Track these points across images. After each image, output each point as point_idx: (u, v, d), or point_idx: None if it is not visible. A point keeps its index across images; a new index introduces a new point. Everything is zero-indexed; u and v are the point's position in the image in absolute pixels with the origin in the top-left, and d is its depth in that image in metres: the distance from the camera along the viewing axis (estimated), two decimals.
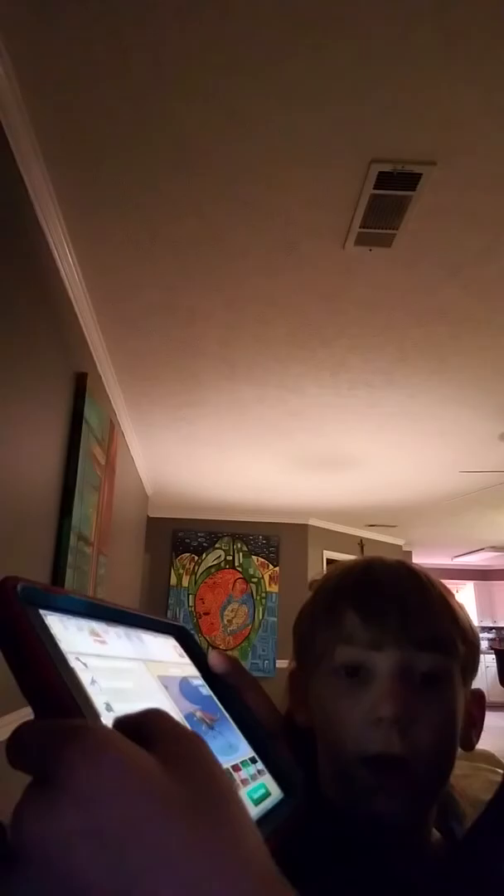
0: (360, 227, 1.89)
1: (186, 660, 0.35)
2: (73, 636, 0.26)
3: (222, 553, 6.59)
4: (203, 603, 6.41)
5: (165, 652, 0.34)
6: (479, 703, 0.55)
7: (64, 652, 0.26)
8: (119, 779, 0.21)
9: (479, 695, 0.55)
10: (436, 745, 0.47)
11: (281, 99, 1.46)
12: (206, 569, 6.54)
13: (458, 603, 0.54)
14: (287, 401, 3.39)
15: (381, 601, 0.51)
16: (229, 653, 0.39)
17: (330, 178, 1.71)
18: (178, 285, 2.27)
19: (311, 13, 1.26)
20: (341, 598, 0.53)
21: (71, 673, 0.25)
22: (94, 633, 0.28)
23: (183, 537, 6.60)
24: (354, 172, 1.68)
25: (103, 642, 0.28)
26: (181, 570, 6.51)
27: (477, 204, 1.79)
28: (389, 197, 1.75)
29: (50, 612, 0.26)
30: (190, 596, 6.42)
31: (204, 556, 6.58)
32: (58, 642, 0.26)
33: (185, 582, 6.48)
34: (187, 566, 6.53)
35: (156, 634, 0.34)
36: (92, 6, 1.26)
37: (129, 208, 1.86)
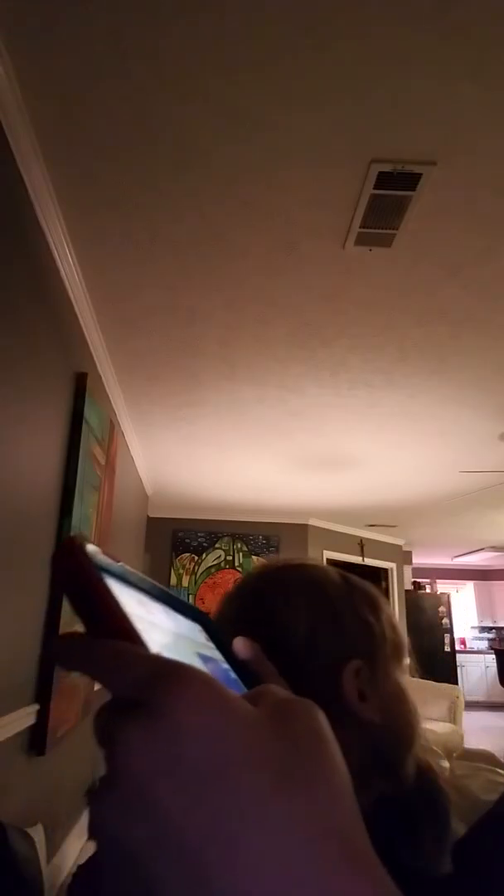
0: (360, 227, 1.89)
1: (212, 644, 0.36)
2: (126, 599, 0.27)
3: (222, 553, 6.59)
4: (203, 603, 6.41)
5: (196, 634, 0.35)
6: (362, 675, 0.55)
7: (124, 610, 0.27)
8: (217, 721, 0.22)
9: (357, 668, 0.54)
10: None
11: (281, 99, 1.46)
12: (206, 569, 6.54)
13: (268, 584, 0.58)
14: (287, 401, 3.39)
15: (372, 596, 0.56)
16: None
17: (330, 178, 1.71)
18: (178, 285, 2.27)
19: (311, 13, 1.26)
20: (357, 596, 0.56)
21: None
22: (140, 602, 0.29)
23: (183, 537, 6.60)
24: (354, 172, 1.68)
25: (150, 612, 0.29)
26: (181, 570, 6.51)
27: (477, 204, 1.79)
28: (389, 197, 1.75)
29: (106, 575, 0.27)
30: (190, 596, 6.42)
31: (204, 556, 6.58)
32: (119, 601, 0.26)
33: (185, 582, 6.48)
34: (187, 566, 6.53)
35: (186, 618, 0.35)
36: (92, 6, 1.26)
37: (129, 208, 1.86)
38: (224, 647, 0.36)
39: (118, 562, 0.28)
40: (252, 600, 0.58)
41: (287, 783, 0.21)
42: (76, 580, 0.26)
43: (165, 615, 0.31)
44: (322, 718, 0.24)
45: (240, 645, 0.37)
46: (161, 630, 0.28)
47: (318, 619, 0.55)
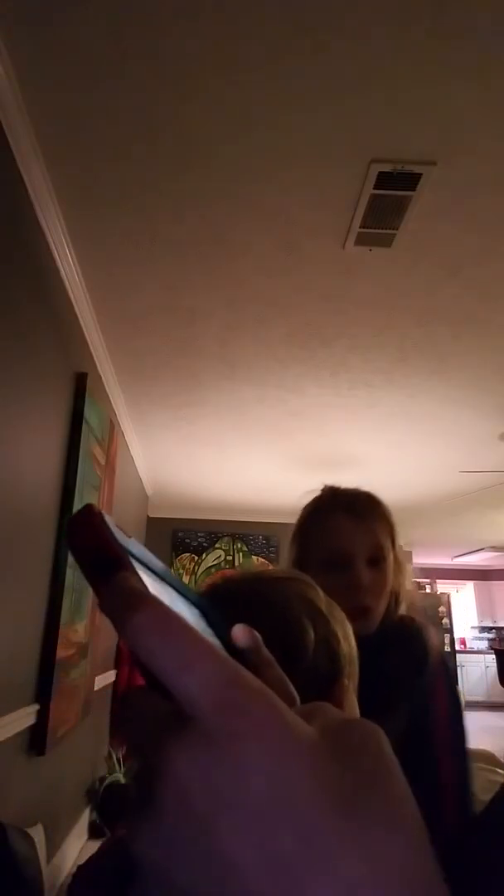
0: (360, 227, 1.89)
1: (211, 631, 0.35)
2: (146, 579, 0.26)
3: (222, 553, 6.59)
4: None
5: (198, 620, 0.34)
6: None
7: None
8: (281, 747, 0.19)
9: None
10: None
11: (281, 99, 1.46)
12: (206, 569, 6.54)
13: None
14: (287, 401, 3.39)
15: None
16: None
17: (330, 178, 1.71)
18: (178, 285, 2.27)
19: (311, 13, 1.26)
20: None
21: None
22: (155, 583, 0.28)
23: (183, 537, 6.60)
24: (354, 172, 1.68)
25: (160, 593, 0.28)
26: (181, 571, 6.51)
27: (477, 204, 1.79)
28: (389, 197, 1.75)
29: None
30: None
31: (204, 556, 6.58)
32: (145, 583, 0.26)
33: (185, 582, 6.48)
34: (187, 566, 6.53)
35: (188, 602, 0.34)
36: (92, 6, 1.26)
37: (129, 208, 1.86)
38: (223, 634, 0.35)
39: (130, 537, 0.28)
40: (255, 600, 0.58)
41: (355, 818, 0.19)
42: (99, 555, 0.25)
43: (174, 599, 0.30)
44: (386, 744, 0.22)
45: (239, 633, 0.36)
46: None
47: (319, 631, 0.56)
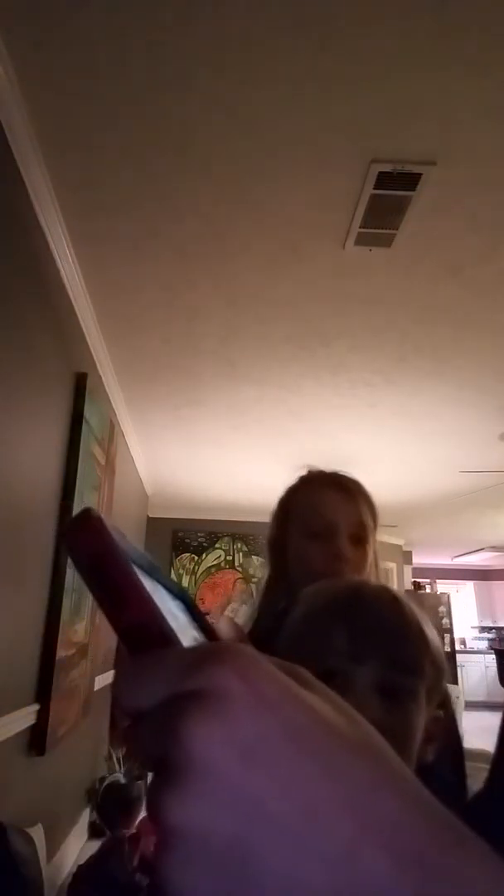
0: (360, 227, 1.89)
1: (195, 624, 0.35)
2: (146, 583, 0.26)
3: (222, 553, 6.59)
4: (203, 603, 6.41)
5: (184, 613, 0.34)
6: (437, 723, 0.59)
7: None
8: (278, 690, 0.22)
9: (437, 717, 0.60)
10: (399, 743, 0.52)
11: (281, 99, 1.46)
12: (206, 569, 6.54)
13: (431, 629, 0.60)
14: (287, 401, 3.39)
15: (371, 618, 0.57)
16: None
17: (330, 178, 1.71)
18: (178, 285, 2.27)
19: (312, 13, 1.26)
20: (334, 610, 0.59)
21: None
22: (151, 584, 0.28)
23: (183, 537, 6.60)
24: (354, 172, 1.68)
25: (159, 596, 0.28)
26: (181, 571, 6.51)
27: (477, 204, 1.79)
28: (389, 197, 1.75)
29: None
30: None
31: (204, 556, 6.58)
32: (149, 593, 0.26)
33: (185, 582, 6.47)
34: (187, 566, 6.53)
35: (173, 596, 0.34)
36: (92, 6, 1.26)
37: (129, 208, 1.86)
38: (205, 627, 0.36)
39: (124, 535, 0.27)
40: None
41: (365, 751, 0.22)
42: (100, 562, 0.25)
43: (162, 595, 0.30)
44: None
45: (225, 627, 0.37)
46: (172, 616, 0.28)
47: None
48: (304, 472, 1.12)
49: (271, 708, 0.21)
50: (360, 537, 0.97)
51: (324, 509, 0.99)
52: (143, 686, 0.23)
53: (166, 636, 0.24)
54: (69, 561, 2.28)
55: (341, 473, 1.08)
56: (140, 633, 0.24)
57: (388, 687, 0.54)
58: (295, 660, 0.55)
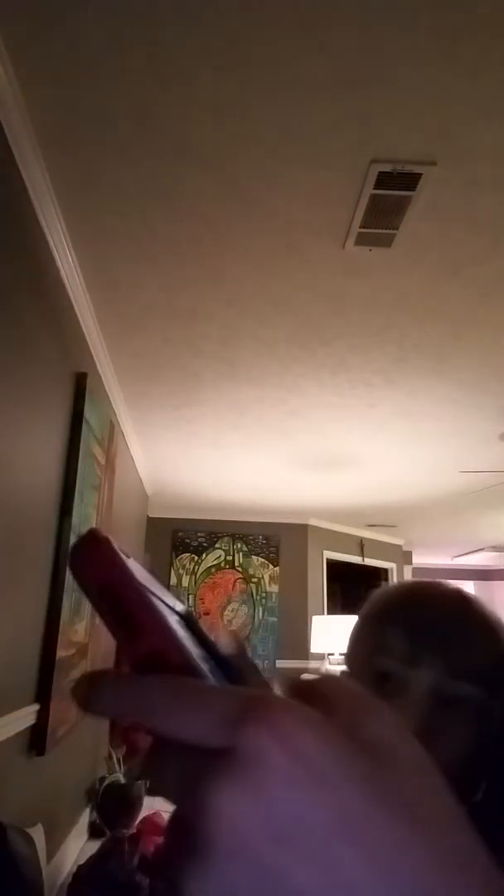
0: (360, 227, 1.89)
1: (193, 639, 0.35)
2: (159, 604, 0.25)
3: (222, 553, 6.59)
4: (203, 603, 6.41)
5: (184, 630, 0.34)
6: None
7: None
8: (324, 765, 0.19)
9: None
10: (447, 764, 0.48)
11: (281, 99, 1.46)
12: (206, 569, 6.54)
13: None
14: (287, 401, 3.39)
15: (427, 622, 0.53)
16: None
17: (330, 178, 1.71)
18: (178, 285, 2.27)
19: (312, 13, 1.26)
20: (391, 612, 0.56)
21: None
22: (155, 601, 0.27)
23: (183, 537, 6.60)
24: (354, 172, 1.68)
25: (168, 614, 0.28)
26: (181, 570, 6.51)
27: (477, 204, 1.79)
28: (389, 197, 1.75)
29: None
30: (190, 596, 6.42)
31: (204, 556, 6.58)
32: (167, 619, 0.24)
33: (185, 582, 6.47)
34: (187, 566, 6.53)
35: (170, 609, 0.34)
36: (92, 6, 1.26)
37: (129, 208, 1.86)
38: (204, 640, 0.35)
39: (128, 554, 0.26)
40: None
41: (423, 827, 0.18)
42: (113, 589, 0.23)
43: (168, 613, 0.30)
44: (408, 733, 0.22)
45: (226, 641, 0.36)
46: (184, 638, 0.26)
47: None
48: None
49: (313, 787, 0.18)
50: None
51: None
52: (170, 714, 0.20)
53: (191, 667, 0.22)
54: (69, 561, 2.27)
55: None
56: (157, 662, 0.22)
57: (446, 695, 0.50)
58: (352, 663, 0.55)
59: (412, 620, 0.53)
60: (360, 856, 0.18)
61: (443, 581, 0.59)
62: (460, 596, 0.56)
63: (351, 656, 0.60)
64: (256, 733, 0.19)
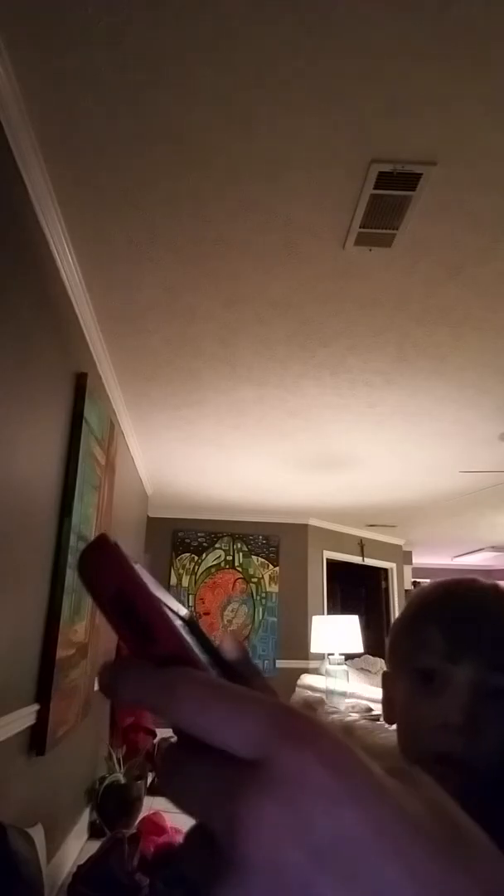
0: (360, 227, 1.89)
1: (197, 643, 0.35)
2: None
3: (222, 553, 6.59)
4: (203, 603, 6.41)
5: (188, 635, 0.34)
6: None
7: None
8: (367, 783, 0.19)
9: None
10: (499, 752, 0.50)
11: (281, 99, 1.46)
12: (206, 569, 6.54)
13: None
14: (287, 401, 3.39)
15: (463, 618, 0.54)
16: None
17: (330, 179, 1.71)
18: (177, 285, 2.27)
19: (312, 13, 1.26)
20: (428, 610, 0.57)
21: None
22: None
23: (183, 537, 6.59)
24: (354, 172, 1.68)
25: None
26: (181, 570, 6.51)
27: (477, 204, 1.79)
28: (389, 197, 1.75)
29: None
30: (190, 596, 6.42)
31: (204, 556, 6.58)
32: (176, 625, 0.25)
33: (185, 582, 6.47)
34: (187, 566, 6.53)
35: (176, 617, 0.34)
36: (92, 6, 1.26)
37: (129, 208, 1.86)
38: (208, 645, 0.35)
39: (135, 559, 0.26)
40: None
41: (449, 845, 0.19)
42: (124, 596, 0.23)
43: (174, 618, 0.30)
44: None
45: (229, 644, 0.36)
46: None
47: None
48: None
49: (354, 804, 0.18)
50: None
51: None
52: (202, 712, 0.20)
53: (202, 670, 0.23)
54: (69, 561, 2.27)
55: None
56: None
57: (489, 688, 0.50)
58: (394, 664, 0.56)
59: (450, 617, 0.54)
60: (401, 872, 0.18)
61: (478, 577, 0.59)
62: (497, 590, 0.57)
63: (392, 658, 0.61)
64: (297, 749, 0.19)
